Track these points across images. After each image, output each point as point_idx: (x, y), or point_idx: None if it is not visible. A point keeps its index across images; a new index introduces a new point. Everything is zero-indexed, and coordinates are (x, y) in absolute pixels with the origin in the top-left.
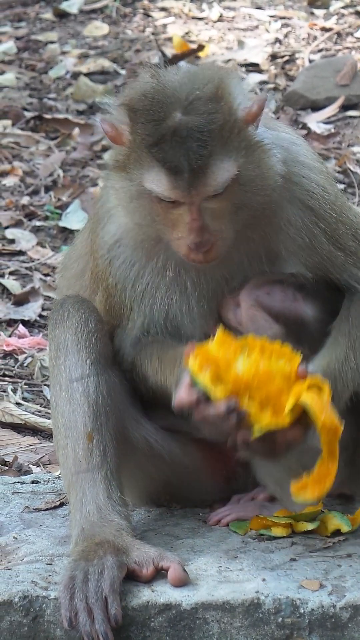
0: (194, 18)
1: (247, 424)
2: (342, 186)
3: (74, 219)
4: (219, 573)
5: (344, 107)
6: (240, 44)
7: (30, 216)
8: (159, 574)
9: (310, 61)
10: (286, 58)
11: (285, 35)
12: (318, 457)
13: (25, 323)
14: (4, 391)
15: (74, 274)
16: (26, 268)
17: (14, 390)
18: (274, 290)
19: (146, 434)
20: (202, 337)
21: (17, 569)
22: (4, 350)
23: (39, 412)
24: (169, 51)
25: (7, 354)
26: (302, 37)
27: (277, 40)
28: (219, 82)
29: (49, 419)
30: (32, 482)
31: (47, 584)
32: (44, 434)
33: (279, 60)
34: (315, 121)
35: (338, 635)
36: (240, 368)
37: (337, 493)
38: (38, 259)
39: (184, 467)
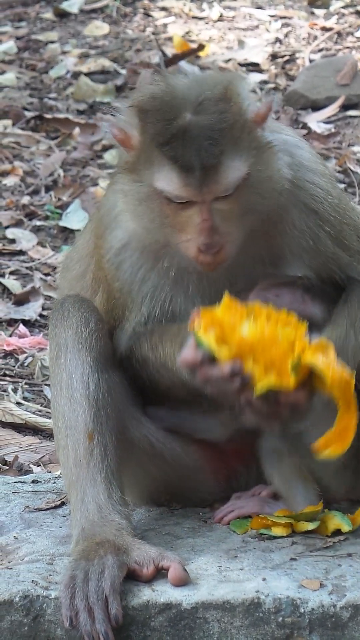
0: (194, 18)
1: (251, 387)
2: (342, 186)
3: (75, 218)
4: (219, 572)
5: (344, 107)
6: (241, 43)
7: (31, 216)
8: (160, 573)
9: (310, 61)
10: (286, 58)
11: (286, 35)
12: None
13: (25, 323)
14: (5, 391)
15: (76, 275)
16: (27, 268)
17: (15, 390)
18: (282, 292)
19: (147, 433)
20: None
21: (18, 569)
22: (4, 349)
23: (40, 411)
24: (170, 51)
25: (8, 354)
26: (303, 36)
27: (278, 40)
28: (228, 84)
29: (50, 418)
30: (33, 481)
31: (48, 584)
32: (45, 433)
33: (279, 59)
34: (315, 121)
35: (338, 634)
36: (245, 331)
37: (345, 499)
38: (38, 259)
39: (185, 467)
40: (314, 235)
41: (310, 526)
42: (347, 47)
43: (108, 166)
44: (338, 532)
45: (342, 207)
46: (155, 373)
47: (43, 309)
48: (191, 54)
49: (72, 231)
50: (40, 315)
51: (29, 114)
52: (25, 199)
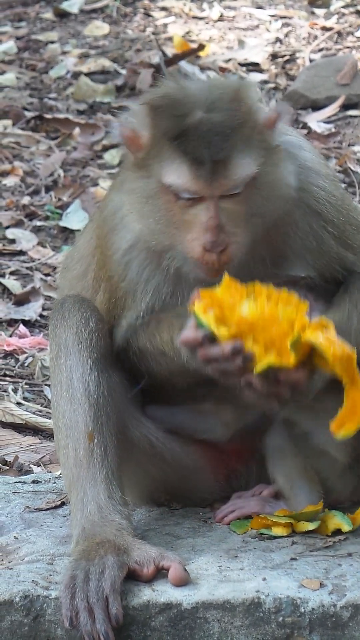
0: (194, 17)
1: (252, 366)
2: (342, 185)
3: (75, 218)
4: (219, 572)
5: (345, 107)
6: (241, 43)
7: (31, 216)
8: (160, 573)
9: (310, 60)
10: (287, 57)
11: (286, 35)
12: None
13: (25, 323)
14: (5, 391)
15: (76, 275)
16: (27, 268)
17: (15, 390)
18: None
19: (147, 432)
20: None
21: (18, 569)
22: (4, 350)
23: (40, 411)
24: (170, 51)
25: (8, 354)
26: (303, 36)
27: (278, 40)
28: (238, 87)
29: (50, 418)
30: (33, 481)
31: (48, 584)
32: (45, 433)
33: (280, 59)
34: (315, 120)
35: (338, 634)
36: (245, 311)
37: (350, 500)
38: (39, 259)
39: (185, 467)
40: (317, 236)
41: (311, 526)
42: (348, 47)
43: (108, 166)
44: (338, 531)
45: (345, 207)
46: (154, 362)
47: (43, 309)
48: (191, 54)
49: (72, 231)
50: (41, 316)
51: (29, 114)
52: (26, 199)
